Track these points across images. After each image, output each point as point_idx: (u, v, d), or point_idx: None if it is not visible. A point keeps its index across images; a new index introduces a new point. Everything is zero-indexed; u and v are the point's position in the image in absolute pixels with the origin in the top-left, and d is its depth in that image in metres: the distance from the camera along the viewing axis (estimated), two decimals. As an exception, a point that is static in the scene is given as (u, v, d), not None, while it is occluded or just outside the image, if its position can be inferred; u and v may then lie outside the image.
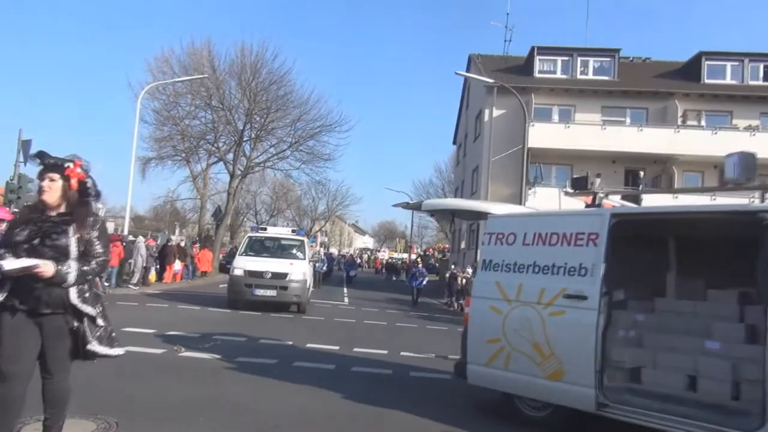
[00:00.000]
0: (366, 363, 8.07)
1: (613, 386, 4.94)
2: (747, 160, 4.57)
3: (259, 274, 13.81)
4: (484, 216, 6.20)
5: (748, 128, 22.85)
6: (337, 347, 9.23)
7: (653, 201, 11.15)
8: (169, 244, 21.51)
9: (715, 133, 22.64)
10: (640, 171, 21.54)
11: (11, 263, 3.08)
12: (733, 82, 25.42)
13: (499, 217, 5.86)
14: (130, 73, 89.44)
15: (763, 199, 6.32)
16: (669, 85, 25.47)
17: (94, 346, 3.38)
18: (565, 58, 26.36)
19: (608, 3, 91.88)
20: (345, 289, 24.82)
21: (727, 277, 5.23)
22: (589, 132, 23.34)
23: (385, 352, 9.13)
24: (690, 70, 26.19)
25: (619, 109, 25.03)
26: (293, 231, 17.80)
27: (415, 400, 6.04)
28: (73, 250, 3.27)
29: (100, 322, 3.43)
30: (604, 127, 23.49)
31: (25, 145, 16.63)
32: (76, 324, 3.33)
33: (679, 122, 23.80)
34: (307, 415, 5.29)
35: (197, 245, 26.51)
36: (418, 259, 37.25)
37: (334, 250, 59.17)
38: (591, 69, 26.28)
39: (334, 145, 30.10)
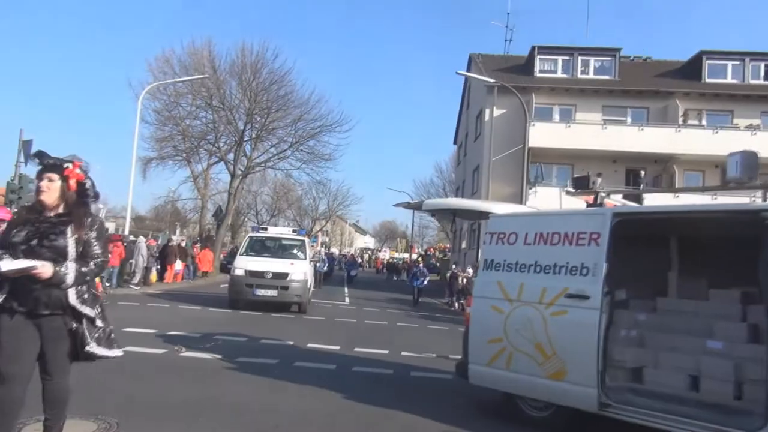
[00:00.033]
0: (367, 363, 8.06)
1: (615, 386, 4.92)
2: (749, 159, 4.56)
3: (260, 274, 13.81)
4: (485, 216, 6.19)
5: (749, 127, 22.82)
6: (338, 347, 9.22)
7: (654, 200, 11.14)
8: (169, 244, 21.51)
9: (716, 133, 22.62)
10: (641, 170, 21.53)
11: (9, 264, 3.05)
12: (734, 81, 25.40)
13: (500, 216, 5.85)
14: (131, 73, 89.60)
15: (765, 199, 6.29)
16: (670, 84, 25.45)
17: (93, 348, 3.36)
18: (566, 58, 26.35)
19: (609, 2, 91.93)
20: (346, 289, 24.82)
21: (730, 276, 5.21)
22: (589, 131, 23.34)
23: (386, 352, 9.12)
24: (691, 70, 26.17)
25: (620, 108, 25.02)
26: (294, 231, 17.81)
27: (416, 400, 6.03)
28: (72, 251, 3.25)
29: (98, 323, 3.41)
30: (604, 126, 23.48)
31: (26, 145, 16.62)
32: (75, 325, 3.31)
33: (680, 122, 23.78)
34: (307, 415, 5.28)
35: (198, 245, 26.52)
36: (419, 259, 37.25)
37: (335, 250, 59.18)
38: (592, 68, 26.27)
39: (335, 145, 30.14)
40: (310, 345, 9.24)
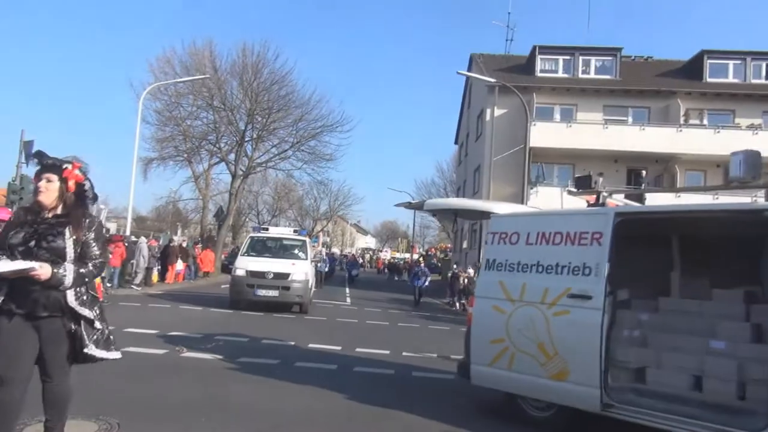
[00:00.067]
0: (368, 363, 8.05)
1: (617, 386, 4.91)
2: (752, 158, 4.55)
3: (261, 275, 13.80)
4: (487, 215, 6.17)
5: (751, 127, 22.79)
6: (339, 347, 9.21)
7: (656, 200, 11.13)
8: (171, 244, 21.51)
9: (718, 132, 22.60)
10: (642, 170, 21.45)
11: (7, 265, 3.02)
12: (736, 80, 25.36)
13: (502, 216, 5.83)
14: (132, 73, 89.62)
15: (767, 198, 6.28)
16: (671, 83, 25.42)
17: (91, 350, 3.32)
18: (567, 57, 26.33)
19: (610, 2, 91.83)
20: (347, 290, 24.81)
21: (732, 276, 5.20)
22: (590, 131, 23.33)
23: (388, 352, 9.11)
24: (692, 69, 26.14)
25: (621, 108, 25.00)
26: (295, 231, 17.79)
27: (417, 400, 6.02)
28: (70, 252, 3.22)
29: (97, 325, 3.38)
30: (606, 126, 23.46)
31: (27, 145, 16.62)
32: (74, 327, 3.28)
33: (682, 121, 23.76)
34: (309, 415, 5.27)
35: (199, 246, 26.53)
36: (421, 259, 37.23)
37: (336, 250, 59.19)
38: (593, 68, 26.24)
39: (336, 145, 30.15)
40: (311, 345, 9.23)
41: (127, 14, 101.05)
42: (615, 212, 4.97)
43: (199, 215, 35.61)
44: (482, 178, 25.45)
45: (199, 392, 5.77)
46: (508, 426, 5.31)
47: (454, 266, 24.44)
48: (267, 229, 17.77)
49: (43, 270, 3.04)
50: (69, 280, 3.15)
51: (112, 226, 28.53)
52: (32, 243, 3.18)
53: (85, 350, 3.30)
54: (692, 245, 5.73)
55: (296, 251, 15.45)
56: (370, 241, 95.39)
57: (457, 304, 19.37)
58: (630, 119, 24.57)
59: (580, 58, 26.15)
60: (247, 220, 50.28)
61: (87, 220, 3.36)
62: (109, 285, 15.49)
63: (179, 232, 39.62)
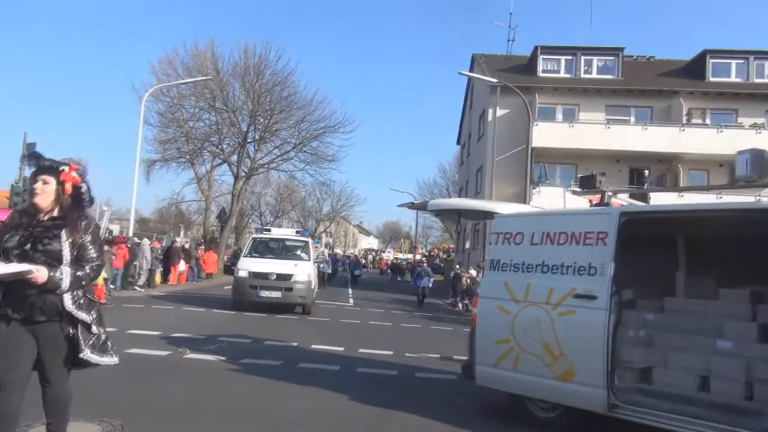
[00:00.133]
0: (371, 364, 8.03)
1: (623, 387, 4.88)
2: (759, 157, 4.51)
3: (263, 276, 13.77)
4: (490, 216, 6.15)
5: (754, 126, 22.74)
6: (342, 348, 9.19)
7: (659, 200, 11.08)
8: (173, 246, 21.52)
9: (721, 132, 22.55)
10: (644, 170, 21.40)
11: (2, 268, 2.95)
12: (738, 80, 25.30)
13: (506, 216, 5.81)
14: (134, 75, 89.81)
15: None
16: (673, 83, 25.37)
17: (87, 354, 3.26)
18: (569, 57, 26.30)
19: (611, 1, 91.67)
20: (350, 290, 24.80)
21: (738, 275, 5.17)
22: (593, 131, 23.29)
23: (390, 353, 9.09)
24: (694, 69, 26.08)
25: (623, 108, 24.96)
26: (298, 232, 17.75)
27: (420, 401, 6.00)
28: (66, 255, 3.16)
29: (94, 329, 3.31)
30: (608, 126, 23.43)
31: (30, 148, 16.61)
32: (71, 331, 3.22)
33: (684, 121, 23.70)
34: (311, 416, 5.25)
35: (202, 247, 26.56)
36: (424, 259, 37.20)
37: (339, 251, 59.20)
38: (595, 68, 26.20)
39: (338, 146, 30.25)
40: (314, 346, 9.21)
41: (130, 16, 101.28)
42: (620, 212, 4.94)
43: (202, 217, 35.64)
44: (484, 179, 25.42)
45: (201, 393, 5.76)
46: (511, 427, 5.28)
47: (457, 267, 24.41)
48: (269, 230, 17.76)
49: (39, 273, 2.98)
50: (66, 283, 3.08)
51: (115, 228, 28.49)
52: (28, 246, 3.11)
53: (81, 355, 3.24)
54: (698, 245, 5.70)
55: (299, 252, 15.44)
56: (372, 242, 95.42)
57: (460, 305, 19.35)
58: (632, 119, 24.53)
59: (582, 58, 26.12)
60: (249, 221, 50.32)
61: (83, 223, 3.29)
62: (112, 287, 15.49)
63: (182, 233, 39.58)
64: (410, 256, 58.51)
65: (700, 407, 4.52)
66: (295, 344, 9.32)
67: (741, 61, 25.51)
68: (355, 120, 41.53)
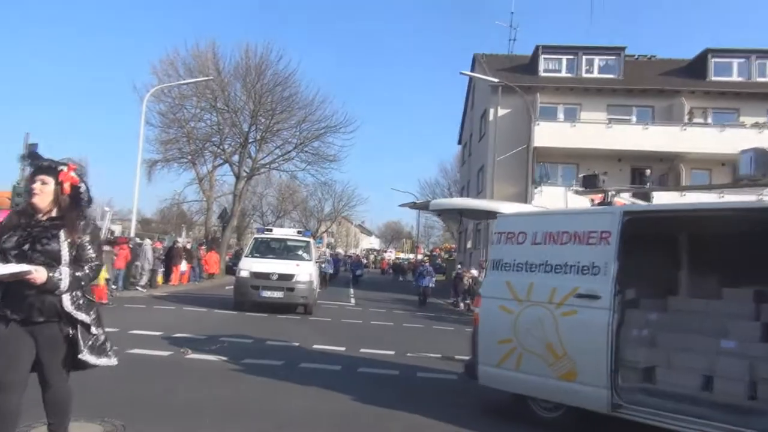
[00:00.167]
0: (372, 364, 8.02)
1: (626, 386, 4.86)
2: (763, 156, 4.49)
3: (265, 276, 13.76)
4: (492, 215, 6.14)
5: (756, 125, 22.68)
6: (343, 348, 9.18)
7: (661, 199, 11.05)
8: (175, 246, 21.53)
9: (722, 131, 22.50)
10: (646, 169, 21.39)
11: (1, 269, 2.93)
12: (740, 79, 25.25)
13: (508, 216, 5.80)
14: (135, 76, 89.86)
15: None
16: (675, 82, 25.33)
17: (85, 356, 3.24)
18: (570, 57, 26.27)
19: (613, 0, 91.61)
20: (351, 290, 24.79)
21: (742, 275, 5.15)
22: (594, 131, 23.25)
23: (392, 352, 9.08)
24: (696, 68, 26.03)
25: (625, 107, 24.93)
26: (299, 232, 17.72)
27: (422, 400, 5.99)
28: (65, 255, 3.14)
29: (93, 330, 3.29)
30: (609, 125, 23.40)
31: (31, 148, 16.65)
32: (71, 332, 3.20)
33: (686, 120, 23.66)
34: (313, 415, 5.25)
35: (204, 247, 26.56)
36: (425, 259, 37.17)
37: (340, 251, 59.20)
38: (596, 67, 26.17)
39: (340, 146, 30.35)
40: (315, 346, 9.21)
41: (129, 15, 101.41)
42: (623, 211, 4.93)
43: (204, 217, 35.67)
44: (486, 178, 25.40)
45: (203, 393, 5.75)
46: (514, 427, 5.27)
47: (459, 266, 24.40)
48: (271, 230, 17.73)
49: (38, 274, 2.96)
50: (65, 283, 3.07)
51: (117, 229, 28.49)
52: (26, 246, 3.09)
53: (80, 356, 3.22)
54: (700, 244, 5.69)
55: (300, 252, 15.42)
56: (374, 242, 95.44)
57: (462, 305, 19.33)
58: (634, 118, 24.51)
59: (584, 57, 26.08)
60: (251, 221, 50.31)
61: (82, 223, 3.27)
62: (114, 287, 15.49)
63: (184, 233, 39.56)
64: (412, 256, 58.50)
65: (703, 407, 4.51)
66: (297, 344, 9.31)
67: (743, 60, 25.47)
68: (357, 120, 41.66)
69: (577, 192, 6.22)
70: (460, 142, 40.09)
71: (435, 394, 6.46)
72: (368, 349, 9.23)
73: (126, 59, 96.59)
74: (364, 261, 49.79)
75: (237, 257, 24.50)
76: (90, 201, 3.42)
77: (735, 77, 25.31)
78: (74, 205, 3.30)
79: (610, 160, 22.66)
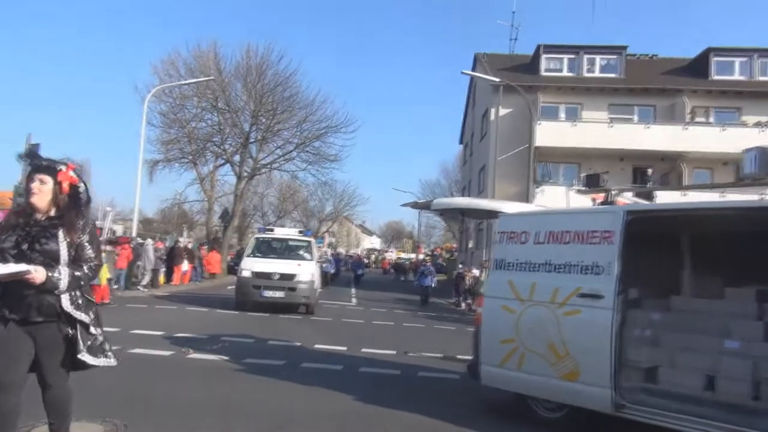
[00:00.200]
0: (374, 363, 8.01)
1: (629, 386, 4.84)
2: (766, 155, 4.48)
3: (267, 276, 13.76)
4: (495, 215, 6.13)
5: (758, 124, 22.65)
6: (345, 348, 9.18)
7: (664, 198, 11.03)
8: (177, 246, 21.55)
9: (724, 130, 22.47)
10: (648, 169, 21.32)
11: (0, 269, 2.91)
12: (742, 78, 25.23)
13: (511, 215, 5.78)
14: (137, 76, 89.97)
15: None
16: (677, 81, 25.29)
17: (84, 356, 3.21)
18: (572, 56, 26.26)
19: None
20: (353, 290, 24.79)
21: (745, 274, 5.13)
22: (596, 130, 23.23)
23: (393, 352, 9.07)
24: (698, 67, 26.00)
25: (627, 106, 24.91)
26: (300, 232, 17.72)
27: (423, 400, 5.98)
28: (64, 254, 3.12)
29: (92, 330, 3.27)
30: (611, 124, 23.38)
31: (34, 149, 16.66)
32: (70, 332, 3.18)
33: (687, 119, 23.63)
34: (315, 415, 5.24)
35: (205, 247, 26.57)
36: (427, 258, 37.14)
37: (341, 251, 59.19)
38: (597, 67, 26.16)
39: (340, 146, 30.19)
40: (317, 346, 9.20)
41: (130, 16, 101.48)
42: (625, 210, 4.91)
43: (205, 217, 35.63)
44: (487, 178, 25.38)
45: (205, 393, 5.75)
46: (515, 427, 5.26)
47: (460, 266, 24.38)
48: (272, 230, 17.73)
49: (37, 273, 2.94)
50: (64, 283, 3.05)
51: (119, 229, 28.53)
52: (25, 246, 3.07)
53: (79, 356, 3.20)
54: (703, 243, 5.67)
55: (302, 252, 15.41)
56: (375, 242, 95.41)
57: (463, 304, 19.32)
58: (635, 118, 24.48)
59: (585, 56, 26.07)
60: (252, 221, 50.27)
61: (81, 222, 3.25)
62: (115, 287, 15.52)
63: (185, 233, 39.62)
64: (413, 255, 58.43)
65: (706, 407, 4.49)
66: (299, 344, 9.31)
67: (745, 58, 25.44)
68: (357, 120, 41.55)
69: (579, 191, 6.20)
70: (461, 142, 40.09)
71: (436, 393, 6.45)
72: (370, 348, 9.22)
73: (127, 60, 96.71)
74: (366, 261, 49.77)
75: (238, 257, 24.49)
76: (89, 200, 3.40)
77: (737, 76, 25.29)
78: (73, 204, 3.28)
79: (612, 160, 22.62)
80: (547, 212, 5.95)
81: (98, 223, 23.89)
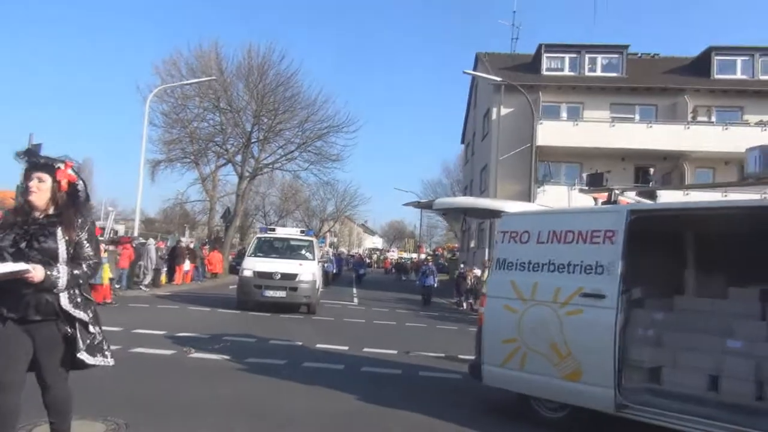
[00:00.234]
0: (375, 363, 8.00)
1: (632, 387, 4.83)
2: (769, 153, 4.46)
3: (268, 275, 13.76)
4: (496, 214, 6.11)
5: (760, 123, 22.59)
6: (346, 347, 9.17)
7: (666, 198, 11.01)
8: (179, 245, 21.57)
9: (726, 129, 22.41)
10: (650, 168, 21.34)
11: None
12: (744, 77, 25.15)
13: (512, 215, 5.77)
14: (138, 76, 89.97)
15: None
16: (678, 80, 25.22)
17: (83, 355, 3.19)
18: (573, 56, 26.20)
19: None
20: (354, 290, 24.78)
21: (748, 274, 5.11)
22: (597, 129, 23.20)
23: (395, 352, 9.06)
24: (700, 66, 25.93)
25: (628, 105, 24.85)
26: (302, 232, 17.73)
27: (424, 399, 5.97)
28: (63, 253, 3.10)
29: (91, 329, 3.25)
30: (612, 124, 23.33)
31: (36, 149, 16.67)
32: (69, 330, 3.16)
33: (689, 118, 23.57)
34: (316, 414, 5.23)
35: (207, 247, 26.57)
36: (428, 258, 37.13)
37: (343, 250, 59.19)
38: (599, 66, 26.10)
39: (342, 146, 30.16)
40: (318, 345, 9.20)
41: (131, 16, 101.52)
42: (628, 210, 4.89)
43: (207, 217, 35.65)
44: (489, 177, 25.37)
45: (206, 392, 5.74)
46: (517, 426, 5.24)
47: (462, 266, 24.36)
48: (274, 230, 17.73)
49: (36, 272, 2.93)
50: (63, 281, 3.03)
51: (121, 228, 28.56)
52: (23, 244, 3.05)
53: (78, 355, 3.18)
54: (706, 243, 5.65)
55: (303, 252, 15.40)
56: (377, 241, 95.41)
57: (465, 304, 19.29)
58: (637, 117, 24.43)
59: (587, 56, 26.01)
60: (254, 221, 50.31)
61: (80, 220, 3.23)
62: (117, 287, 15.53)
63: (187, 233, 39.64)
64: (415, 255, 58.41)
65: (709, 407, 4.47)
66: (300, 343, 9.31)
67: (746, 57, 25.36)
68: (359, 119, 41.56)
69: (582, 191, 6.18)
70: (463, 142, 40.05)
71: (438, 393, 6.44)
72: (371, 348, 9.22)
73: (128, 60, 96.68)
74: (367, 260, 49.76)
75: (240, 257, 24.51)
76: (88, 198, 3.38)
77: (739, 75, 25.21)
78: (72, 202, 3.26)
79: (614, 159, 22.60)
80: (550, 212, 5.93)
81: (100, 223, 23.94)
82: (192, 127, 28.76)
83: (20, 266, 2.91)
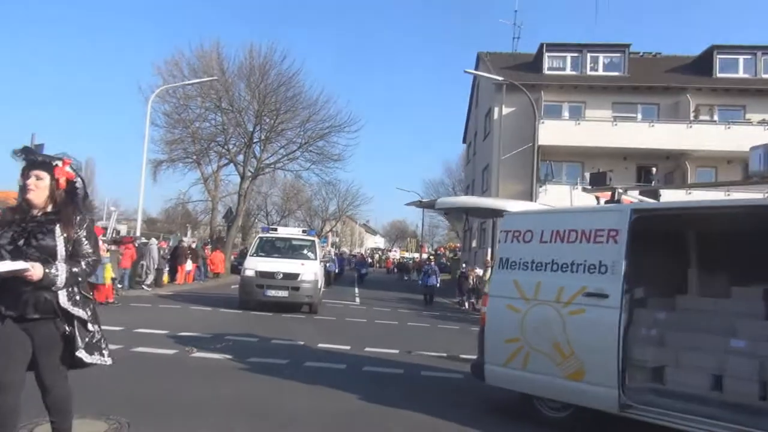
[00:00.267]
0: (377, 363, 8.00)
1: (635, 386, 4.81)
2: (773, 152, 4.44)
3: (270, 275, 13.77)
4: (499, 214, 6.09)
5: (762, 122, 22.54)
6: (348, 347, 9.17)
7: (668, 197, 11.00)
8: (181, 245, 21.59)
9: (728, 128, 22.36)
10: (652, 167, 21.31)
11: None
12: (746, 75, 25.07)
13: (515, 214, 5.75)
14: (140, 76, 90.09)
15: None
16: (680, 79, 25.16)
17: (81, 353, 3.18)
18: (575, 55, 26.15)
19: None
20: (356, 289, 24.78)
21: (751, 273, 5.09)
22: (599, 128, 23.15)
23: (397, 351, 9.05)
24: (702, 65, 25.86)
25: (630, 105, 24.79)
26: (304, 231, 17.74)
27: (426, 399, 5.96)
28: (61, 250, 3.09)
29: (90, 327, 3.24)
30: (614, 123, 23.28)
31: (38, 149, 16.69)
32: (68, 329, 3.15)
33: (692, 117, 23.52)
34: (318, 414, 5.22)
35: (209, 247, 26.59)
36: (430, 258, 37.12)
37: (345, 250, 59.21)
38: (601, 65, 26.05)
39: (344, 146, 30.21)
40: (320, 345, 9.19)
41: (132, 16, 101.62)
42: (631, 209, 4.87)
43: (209, 216, 35.69)
44: (491, 177, 25.34)
45: (208, 392, 5.74)
46: (519, 426, 5.23)
47: (463, 265, 24.33)
48: (276, 230, 17.74)
49: (34, 270, 2.92)
50: (62, 279, 3.02)
51: (123, 228, 28.66)
52: (21, 242, 3.04)
53: (77, 353, 3.17)
54: (710, 242, 5.63)
55: (305, 251, 15.41)
56: (379, 241, 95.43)
57: (467, 304, 19.28)
58: (639, 116, 24.37)
59: (588, 55, 25.96)
60: (256, 221, 50.37)
61: (78, 218, 3.22)
62: (120, 286, 15.55)
63: (189, 233, 39.73)
64: (417, 255, 58.39)
65: (713, 407, 4.46)
66: (302, 343, 9.30)
67: (749, 56, 25.29)
68: (361, 119, 41.63)
69: (585, 190, 6.16)
70: (464, 141, 40.01)
71: (440, 393, 6.43)
72: (373, 348, 9.21)
73: (129, 60, 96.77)
74: (369, 260, 49.77)
75: (242, 256, 24.52)
76: (86, 196, 3.37)
77: (741, 74, 25.13)
78: (70, 200, 3.25)
79: (616, 158, 22.55)
80: (552, 211, 5.91)
81: (103, 223, 24.00)
82: (194, 127, 28.79)
83: (19, 264, 2.91)
